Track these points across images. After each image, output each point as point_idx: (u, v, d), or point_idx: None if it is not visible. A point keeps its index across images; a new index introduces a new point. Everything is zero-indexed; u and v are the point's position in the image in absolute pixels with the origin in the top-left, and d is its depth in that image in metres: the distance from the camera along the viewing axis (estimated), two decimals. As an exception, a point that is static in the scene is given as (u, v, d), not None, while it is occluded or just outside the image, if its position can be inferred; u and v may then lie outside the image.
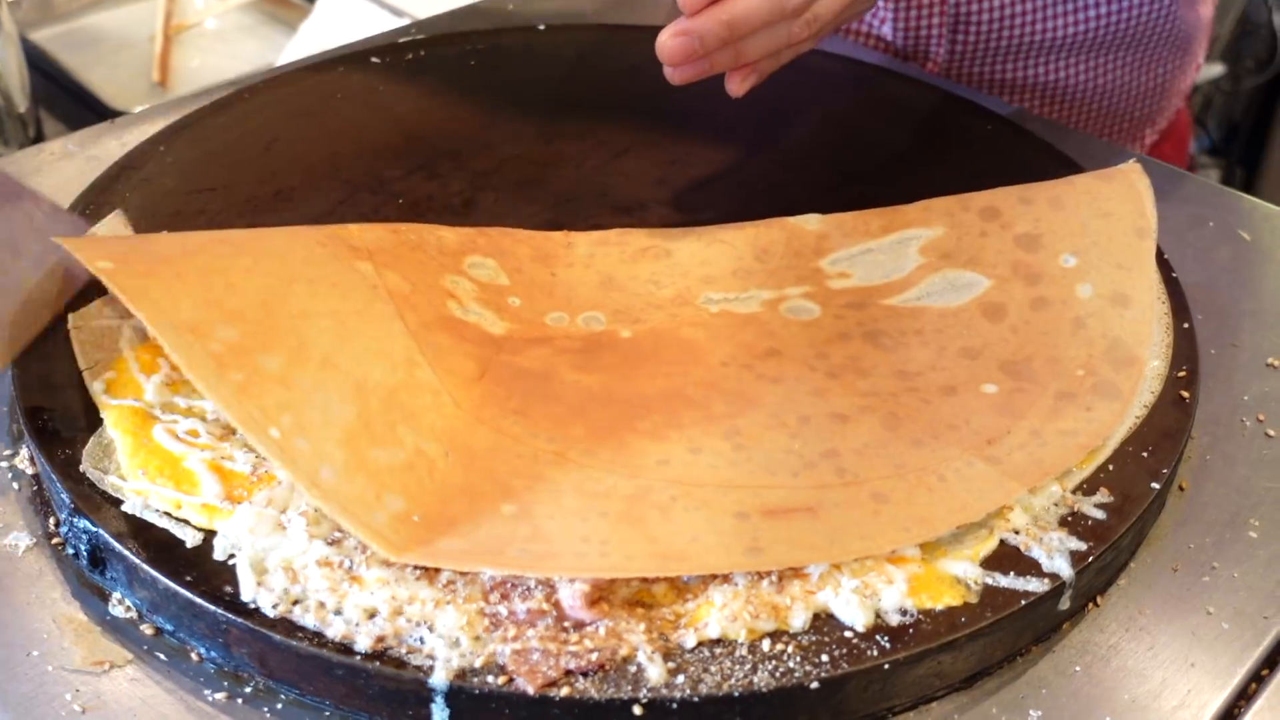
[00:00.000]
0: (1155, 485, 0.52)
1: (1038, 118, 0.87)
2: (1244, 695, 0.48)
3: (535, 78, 0.81)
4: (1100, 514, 0.51)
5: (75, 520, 0.49)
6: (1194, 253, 0.71)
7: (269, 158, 0.71)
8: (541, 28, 0.86)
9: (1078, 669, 0.48)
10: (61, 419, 0.53)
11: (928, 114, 0.79)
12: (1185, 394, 0.57)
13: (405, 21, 1.31)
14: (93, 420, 0.53)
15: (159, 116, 0.77)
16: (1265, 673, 0.49)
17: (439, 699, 0.43)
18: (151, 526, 0.48)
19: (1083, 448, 0.53)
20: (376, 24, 1.27)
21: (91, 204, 0.65)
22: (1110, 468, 0.53)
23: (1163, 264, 0.64)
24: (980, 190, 0.66)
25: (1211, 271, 0.69)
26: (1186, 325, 0.61)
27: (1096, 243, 0.63)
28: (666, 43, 0.59)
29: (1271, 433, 0.59)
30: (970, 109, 0.79)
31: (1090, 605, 0.51)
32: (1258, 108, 2.52)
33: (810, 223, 0.65)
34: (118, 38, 1.31)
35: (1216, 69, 2.38)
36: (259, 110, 0.75)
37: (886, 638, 0.45)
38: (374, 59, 0.81)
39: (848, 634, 0.45)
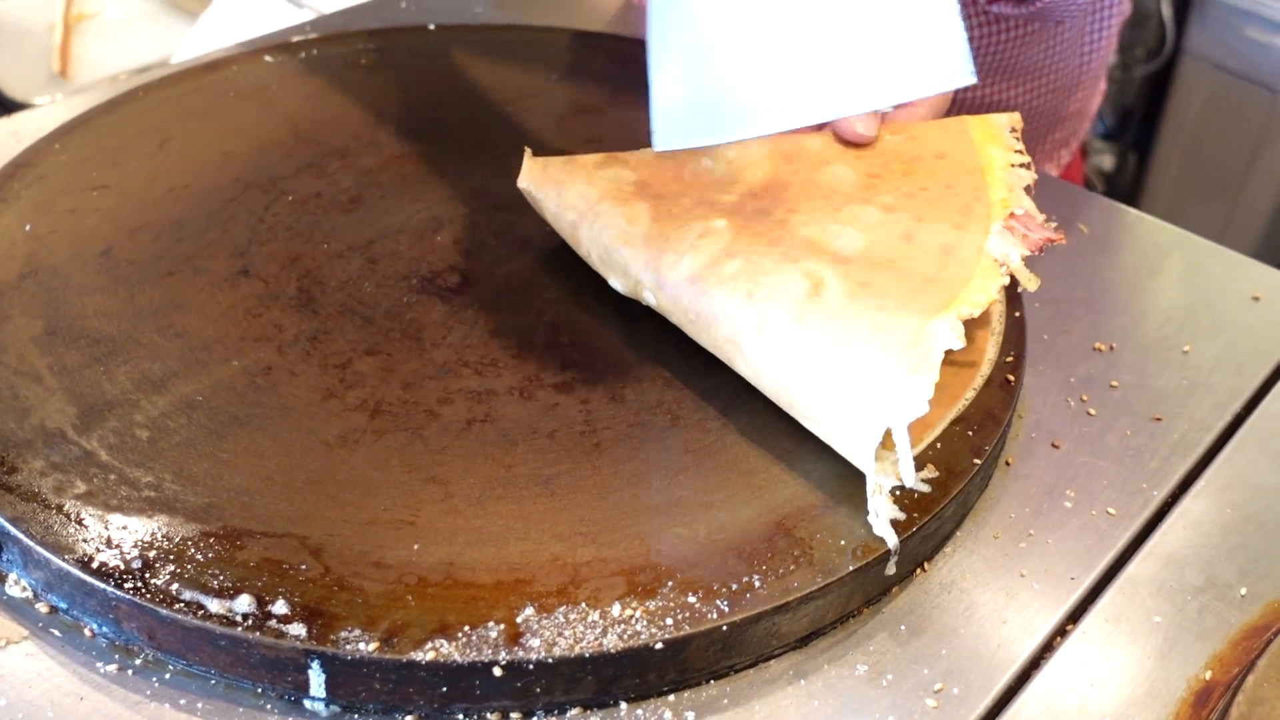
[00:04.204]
0: (977, 461, 0.57)
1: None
2: (1049, 647, 0.54)
3: (424, 77, 0.84)
4: (925, 487, 0.56)
5: (-29, 507, 0.52)
6: (1035, 245, 0.76)
7: (162, 156, 0.74)
8: (431, 27, 0.89)
9: (903, 628, 0.54)
10: (-43, 411, 0.55)
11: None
12: (1011, 378, 0.62)
13: (305, 12, 1.33)
14: (-13, 412, 0.56)
15: (56, 112, 0.80)
16: (1069, 627, 0.55)
17: (315, 664, 0.47)
18: (44, 510, 0.51)
19: None
20: (276, 14, 1.29)
21: (-14, 202, 0.68)
22: (938, 445, 0.58)
23: (1000, 257, 0.70)
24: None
25: (1050, 262, 0.75)
26: (1018, 314, 0.66)
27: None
28: None
29: (1092, 411, 0.65)
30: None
31: (918, 570, 0.56)
32: (1149, 94, 2.62)
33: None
34: (17, 27, 1.31)
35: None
36: (153, 109, 0.78)
37: (726, 602, 0.50)
38: (267, 58, 0.84)
39: (690, 599, 0.50)
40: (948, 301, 0.55)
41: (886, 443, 0.54)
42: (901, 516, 0.54)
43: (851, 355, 0.53)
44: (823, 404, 0.54)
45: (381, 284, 0.65)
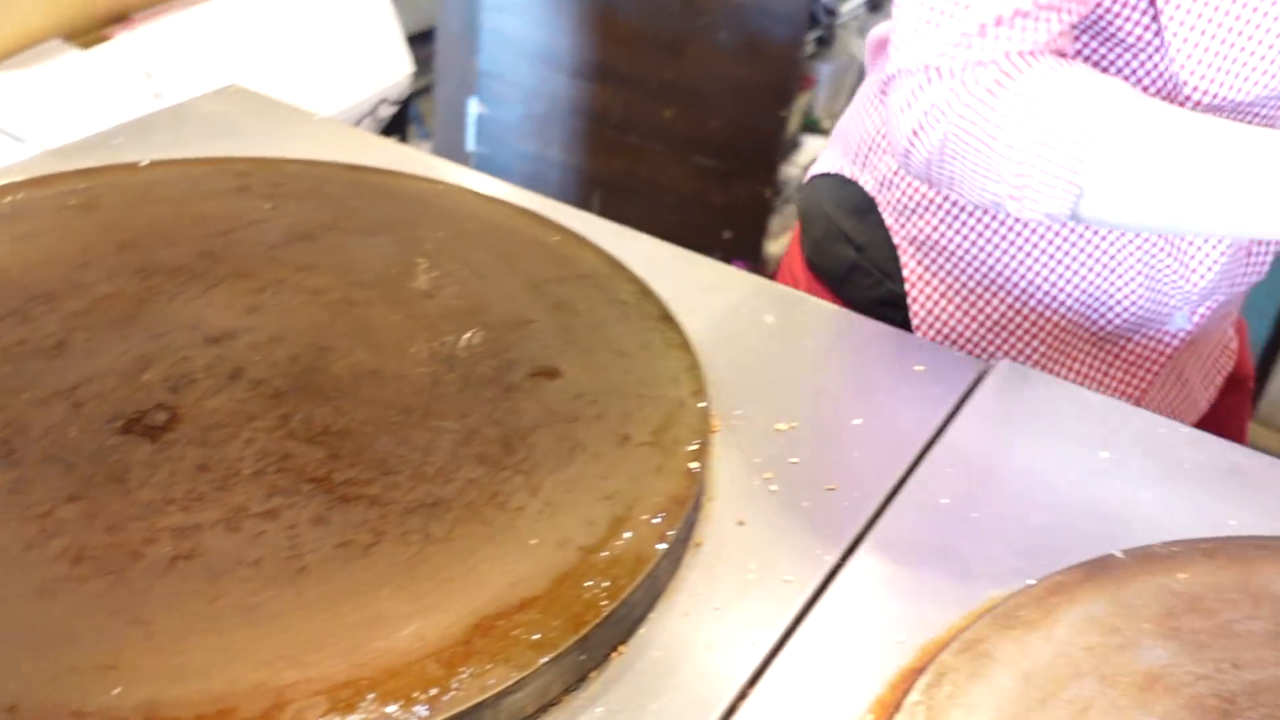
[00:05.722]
0: (662, 546, 0.63)
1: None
2: (732, 710, 0.59)
3: (135, 214, 0.86)
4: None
5: None
6: (724, 337, 0.84)
7: None
8: (144, 163, 0.91)
9: (599, 709, 0.58)
10: None
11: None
12: (695, 465, 0.68)
13: (28, 147, 1.32)
14: None
15: None
16: (749, 689, 0.60)
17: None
18: None
19: None
20: (-5, 151, 1.27)
21: None
22: (626, 535, 0.63)
23: (689, 351, 0.76)
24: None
25: (737, 352, 0.82)
26: (702, 405, 0.73)
27: None
28: None
29: (774, 488, 0.72)
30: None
31: (613, 653, 0.61)
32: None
33: None
34: None
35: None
36: None
37: (425, 707, 0.53)
38: (-30, 205, 0.84)
39: (390, 709, 0.53)
40: None
41: None
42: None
43: None
44: None
45: (86, 428, 0.66)
